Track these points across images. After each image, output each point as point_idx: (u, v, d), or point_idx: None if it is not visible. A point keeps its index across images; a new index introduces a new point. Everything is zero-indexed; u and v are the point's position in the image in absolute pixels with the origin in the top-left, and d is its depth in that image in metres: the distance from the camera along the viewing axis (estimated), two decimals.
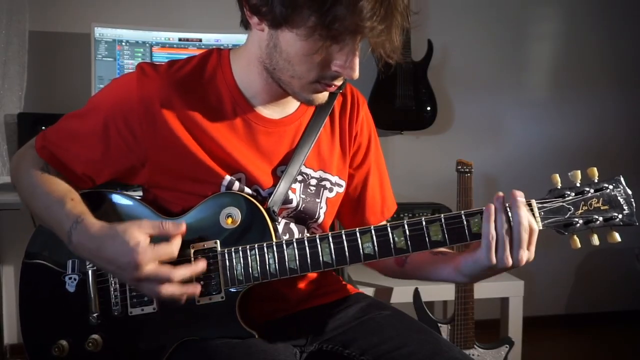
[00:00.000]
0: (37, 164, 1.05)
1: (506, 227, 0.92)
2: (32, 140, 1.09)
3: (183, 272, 0.94)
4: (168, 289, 0.92)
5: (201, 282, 0.99)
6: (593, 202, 0.94)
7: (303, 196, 1.10)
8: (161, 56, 2.20)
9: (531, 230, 0.92)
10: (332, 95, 1.10)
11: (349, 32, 0.88)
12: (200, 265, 0.97)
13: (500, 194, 0.93)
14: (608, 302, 3.17)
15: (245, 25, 1.02)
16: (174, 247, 0.94)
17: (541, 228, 0.94)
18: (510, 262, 0.92)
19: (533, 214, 0.94)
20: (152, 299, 1.00)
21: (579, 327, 3.11)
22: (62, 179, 1.05)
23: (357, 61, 0.94)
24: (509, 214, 0.92)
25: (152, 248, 0.91)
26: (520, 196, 0.92)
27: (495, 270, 0.94)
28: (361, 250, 0.97)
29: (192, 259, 0.99)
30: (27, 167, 1.06)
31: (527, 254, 0.92)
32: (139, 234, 0.92)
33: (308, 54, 0.92)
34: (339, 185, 1.16)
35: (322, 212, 1.13)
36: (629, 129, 3.12)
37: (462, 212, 0.95)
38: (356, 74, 0.94)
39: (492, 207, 0.92)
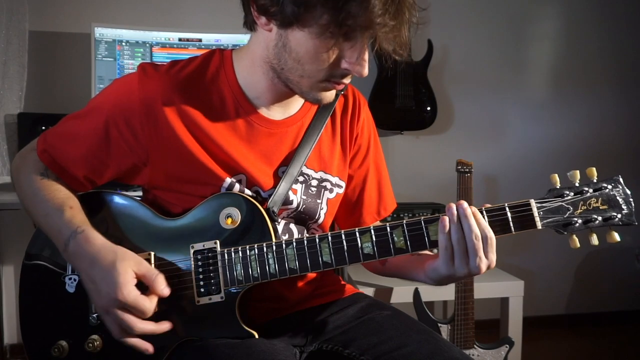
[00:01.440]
0: (38, 168, 1.05)
1: (459, 236, 0.93)
2: (34, 142, 1.09)
3: (147, 326, 0.94)
4: (123, 334, 0.94)
5: (201, 282, 0.99)
6: (592, 202, 0.95)
7: (304, 197, 1.10)
8: (161, 56, 2.20)
9: (485, 238, 0.93)
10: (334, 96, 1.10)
11: (361, 29, 0.88)
12: (165, 326, 0.97)
13: (452, 204, 0.95)
14: (608, 302, 3.17)
15: (250, 27, 1.01)
16: (150, 307, 0.94)
17: (540, 228, 0.94)
18: (466, 270, 0.94)
19: (532, 214, 0.94)
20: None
21: (579, 327, 3.11)
22: (61, 184, 1.05)
23: (367, 58, 0.94)
24: (461, 222, 0.93)
25: (135, 296, 0.91)
26: (466, 206, 0.94)
27: (459, 277, 0.96)
28: (360, 250, 0.97)
29: (192, 259, 0.99)
30: (27, 170, 1.06)
31: (485, 262, 0.93)
32: (131, 273, 0.92)
33: (319, 52, 0.92)
34: (339, 186, 1.16)
35: (322, 212, 1.13)
36: (629, 129, 3.12)
37: None
38: (366, 71, 0.94)
39: (446, 218, 0.94)
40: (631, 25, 3.08)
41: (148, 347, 0.97)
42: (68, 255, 0.97)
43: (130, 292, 0.91)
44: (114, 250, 0.94)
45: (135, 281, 0.93)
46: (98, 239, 0.96)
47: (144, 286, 0.94)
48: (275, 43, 0.95)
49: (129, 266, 0.92)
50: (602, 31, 3.05)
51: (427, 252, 1.08)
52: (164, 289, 0.95)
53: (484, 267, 0.94)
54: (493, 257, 0.94)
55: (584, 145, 3.04)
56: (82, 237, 0.95)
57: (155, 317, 1.00)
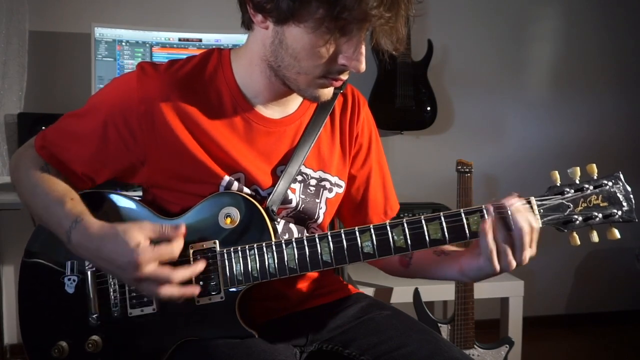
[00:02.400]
0: (37, 163, 1.05)
1: (505, 234, 0.92)
2: (32, 139, 1.09)
3: (183, 273, 0.93)
4: (167, 290, 0.92)
5: (201, 282, 0.99)
6: (592, 199, 0.94)
7: (303, 196, 1.10)
8: (161, 56, 2.20)
9: (532, 230, 0.92)
10: (332, 95, 1.10)
11: (357, 22, 0.88)
12: (200, 265, 0.97)
13: (490, 206, 0.94)
14: (608, 302, 3.17)
15: (247, 26, 1.01)
16: (174, 248, 0.94)
17: (540, 226, 0.94)
18: (514, 265, 0.93)
19: (532, 212, 0.94)
20: (152, 300, 1.00)
21: (579, 327, 3.11)
22: (61, 179, 1.04)
23: (364, 52, 0.93)
24: (508, 220, 0.92)
25: (153, 249, 0.91)
26: (517, 201, 0.93)
27: (500, 274, 0.95)
28: (360, 249, 0.97)
29: (192, 259, 0.99)
30: (26, 166, 1.05)
31: (530, 252, 0.93)
32: (139, 234, 0.91)
33: (315, 48, 0.91)
34: (339, 186, 1.16)
35: (321, 212, 1.13)
36: (629, 129, 3.12)
37: (462, 210, 0.95)
38: (363, 66, 0.94)
39: (487, 222, 0.93)
40: (631, 25, 3.08)
41: (196, 288, 0.96)
42: (73, 246, 0.96)
43: (146, 250, 0.90)
44: (113, 226, 0.94)
45: (146, 240, 0.92)
46: (96, 223, 0.95)
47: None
48: (271, 40, 0.95)
49: (134, 231, 0.92)
50: (602, 31, 3.05)
51: (451, 247, 1.08)
52: (177, 229, 0.95)
53: (528, 257, 0.93)
54: (535, 245, 0.94)
55: (584, 145, 3.03)
56: (82, 225, 0.95)
57: (156, 317, 1.01)
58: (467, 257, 1.00)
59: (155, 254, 0.91)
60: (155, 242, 0.93)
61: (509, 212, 0.92)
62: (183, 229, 0.97)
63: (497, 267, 0.93)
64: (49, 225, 1.01)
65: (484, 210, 0.95)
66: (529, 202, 0.94)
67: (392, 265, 1.19)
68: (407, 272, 1.18)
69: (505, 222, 0.92)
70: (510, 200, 0.94)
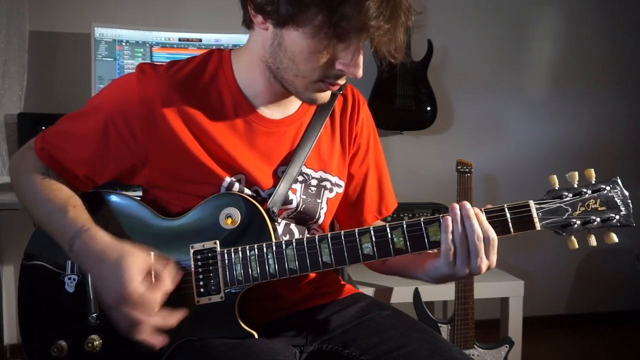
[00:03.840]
0: (38, 168, 1.05)
1: (462, 237, 0.93)
2: (31, 141, 1.09)
3: (155, 320, 0.93)
4: (136, 331, 0.93)
5: (201, 282, 0.99)
6: (590, 203, 0.95)
7: (304, 197, 1.10)
8: (161, 56, 2.20)
9: (488, 239, 0.93)
10: (332, 96, 1.10)
11: (355, 31, 0.88)
12: (172, 320, 0.96)
13: (455, 205, 0.95)
14: (608, 302, 3.18)
15: (248, 25, 1.02)
16: (157, 302, 0.93)
17: (539, 229, 0.95)
18: (467, 270, 0.94)
19: (531, 215, 0.94)
20: None
21: (579, 327, 3.11)
22: (62, 183, 1.04)
23: (361, 59, 0.94)
24: (465, 223, 0.93)
25: (141, 292, 0.90)
26: (469, 207, 0.94)
27: (457, 277, 0.96)
28: (360, 251, 0.97)
29: (192, 260, 0.99)
30: (27, 170, 1.05)
31: (486, 262, 0.94)
32: (137, 268, 0.91)
33: (313, 53, 0.92)
34: (339, 186, 1.16)
35: (322, 212, 1.13)
36: (629, 129, 3.12)
37: None
38: (360, 73, 0.94)
39: (449, 218, 0.94)
40: (631, 26, 3.08)
41: (161, 339, 0.95)
42: (74, 254, 0.96)
43: (136, 288, 0.90)
44: (120, 246, 0.94)
45: (142, 277, 0.91)
46: (103, 237, 0.95)
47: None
48: (271, 42, 0.96)
49: (135, 262, 0.91)
50: (602, 31, 3.05)
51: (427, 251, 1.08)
52: (169, 283, 0.94)
53: (484, 267, 0.94)
54: (494, 258, 0.94)
55: (583, 145, 3.04)
56: (87, 235, 0.95)
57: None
58: (430, 259, 1.01)
59: (140, 298, 0.90)
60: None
61: (468, 215, 0.93)
62: (177, 281, 0.96)
63: (452, 267, 0.94)
64: (50, 231, 1.01)
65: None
66: (527, 206, 0.94)
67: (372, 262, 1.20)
68: (384, 268, 1.19)
69: (462, 224, 0.93)
70: (465, 204, 0.94)
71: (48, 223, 1.00)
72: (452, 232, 0.93)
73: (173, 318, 0.96)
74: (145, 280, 0.92)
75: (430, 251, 1.07)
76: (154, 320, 0.93)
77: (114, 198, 1.07)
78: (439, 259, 0.96)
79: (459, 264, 0.94)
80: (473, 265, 0.93)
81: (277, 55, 0.96)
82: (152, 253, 1.00)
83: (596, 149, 3.04)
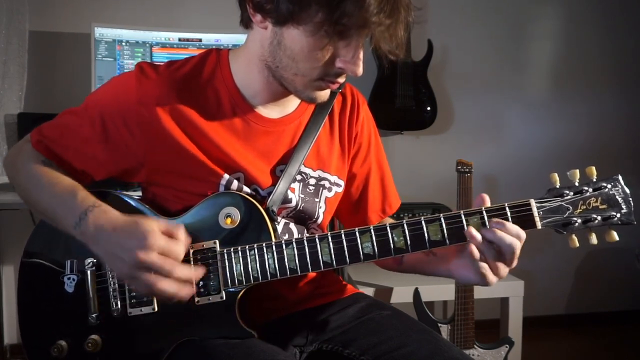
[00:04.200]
0: (36, 157, 1.05)
1: (494, 252, 0.93)
2: (27, 136, 1.08)
3: (185, 271, 0.92)
4: (165, 284, 0.90)
5: (200, 282, 0.99)
6: (591, 202, 0.94)
7: (302, 196, 1.10)
8: (161, 56, 2.20)
9: (521, 240, 0.93)
10: (331, 95, 1.10)
11: (356, 28, 0.88)
12: (200, 270, 0.96)
13: (472, 230, 0.92)
14: (608, 302, 3.17)
15: (246, 24, 1.01)
16: (182, 249, 0.93)
17: (540, 228, 0.94)
18: (504, 275, 0.95)
19: (532, 214, 0.94)
20: (152, 299, 1.00)
21: (579, 327, 3.11)
22: (64, 173, 1.04)
23: (361, 57, 0.94)
24: (494, 239, 0.91)
25: (165, 239, 0.90)
26: (496, 225, 0.92)
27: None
28: (360, 250, 0.97)
29: (192, 261, 0.99)
30: (25, 160, 1.05)
31: (515, 262, 0.94)
32: (155, 224, 0.90)
33: (313, 51, 0.92)
34: (338, 185, 1.16)
35: (321, 211, 1.13)
36: (629, 129, 3.12)
37: (462, 211, 0.95)
38: (360, 70, 0.94)
39: (473, 247, 0.92)
40: (631, 26, 3.08)
41: (192, 290, 0.94)
42: (82, 229, 0.94)
43: (159, 238, 0.89)
44: (131, 216, 0.94)
45: (160, 230, 0.91)
46: (115, 211, 0.95)
47: None
48: (270, 41, 0.95)
49: (150, 221, 0.91)
50: (602, 31, 3.05)
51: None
52: (186, 236, 0.94)
53: (515, 262, 0.94)
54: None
55: (583, 145, 3.04)
56: (99, 210, 0.95)
57: (155, 317, 1.01)
58: (457, 265, 1.00)
59: (165, 245, 0.90)
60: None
61: (501, 236, 0.91)
62: (189, 238, 0.96)
63: (490, 282, 0.94)
64: (53, 212, 0.99)
65: (483, 213, 0.94)
66: (528, 204, 0.94)
67: (386, 263, 1.20)
68: (400, 268, 1.18)
69: (490, 241, 0.92)
70: (498, 220, 0.93)
71: (52, 205, 0.99)
72: (484, 255, 0.93)
73: (199, 269, 0.96)
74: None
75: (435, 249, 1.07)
76: (182, 271, 0.92)
77: (113, 198, 1.07)
78: (470, 273, 0.96)
79: (489, 276, 0.94)
80: (502, 273, 0.94)
81: (277, 54, 0.96)
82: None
83: (596, 148, 3.04)
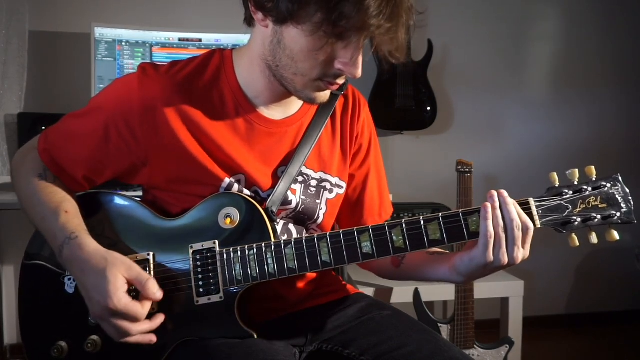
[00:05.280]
0: (37, 168, 1.05)
1: (502, 225, 0.92)
2: (35, 140, 1.09)
3: (142, 327, 0.94)
4: (123, 338, 0.93)
5: (200, 282, 0.99)
6: (591, 200, 0.94)
7: (303, 197, 1.10)
8: (161, 56, 2.20)
9: (526, 229, 0.92)
10: (333, 96, 1.10)
11: (355, 30, 0.88)
12: (159, 320, 0.97)
13: (494, 192, 0.94)
14: (608, 302, 3.17)
15: (249, 23, 1.02)
16: (142, 312, 0.93)
17: (539, 227, 0.94)
18: (506, 260, 0.93)
19: (531, 213, 0.94)
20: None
21: (579, 327, 3.11)
22: (59, 185, 1.04)
23: (360, 59, 0.93)
24: (504, 210, 0.92)
25: (125, 303, 0.90)
26: (506, 195, 0.93)
27: (491, 269, 0.95)
28: (359, 250, 0.97)
29: (191, 265, 0.99)
30: (26, 172, 1.06)
31: (522, 252, 0.93)
32: (121, 279, 0.91)
33: (312, 51, 0.91)
34: (339, 187, 1.16)
35: (321, 213, 1.13)
36: (629, 129, 3.12)
37: (460, 210, 0.95)
38: (359, 72, 0.94)
39: (489, 205, 0.93)
40: (631, 26, 3.08)
41: (152, 338, 0.96)
42: (63, 261, 0.97)
43: (120, 300, 0.90)
44: (105, 256, 0.94)
45: (125, 287, 0.92)
46: (90, 245, 0.95)
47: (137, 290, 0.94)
48: (271, 39, 0.96)
49: (119, 272, 0.92)
50: (602, 31, 3.05)
51: (440, 250, 1.08)
52: (155, 292, 0.94)
53: (520, 257, 0.93)
54: (528, 248, 0.94)
55: (583, 145, 3.04)
56: (75, 243, 0.95)
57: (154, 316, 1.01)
58: (460, 253, 1.00)
59: (124, 310, 0.90)
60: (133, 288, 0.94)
61: (506, 202, 0.92)
62: (159, 296, 0.95)
63: (491, 255, 0.92)
64: (44, 235, 1.01)
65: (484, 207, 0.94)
66: (527, 203, 0.94)
67: (383, 266, 1.19)
68: (399, 272, 1.17)
69: (501, 212, 0.93)
70: (502, 192, 0.94)
71: (42, 227, 1.01)
72: (492, 219, 0.92)
73: (159, 318, 0.97)
74: (131, 289, 0.93)
75: (441, 250, 1.06)
76: (141, 328, 0.94)
77: (113, 199, 1.07)
78: (473, 250, 0.95)
79: (497, 252, 0.92)
80: (510, 254, 0.92)
81: (277, 53, 0.96)
82: (152, 254, 1.01)
83: (596, 148, 3.04)
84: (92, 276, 0.92)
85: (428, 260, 1.09)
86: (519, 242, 0.92)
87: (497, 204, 0.93)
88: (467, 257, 0.96)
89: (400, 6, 0.88)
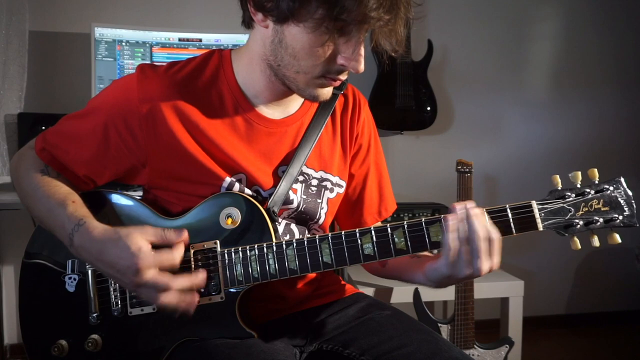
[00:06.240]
0: (37, 165, 1.05)
1: (464, 237, 0.90)
2: (32, 141, 1.09)
3: (182, 282, 0.93)
4: (166, 297, 0.91)
5: (201, 289, 0.99)
6: (593, 203, 0.94)
7: (304, 197, 1.10)
8: (161, 56, 2.20)
9: (490, 240, 0.90)
10: (333, 95, 1.10)
11: (356, 23, 0.88)
12: (200, 276, 0.96)
13: (458, 204, 0.92)
14: (608, 302, 3.18)
15: (248, 24, 1.02)
16: (176, 255, 0.93)
17: (541, 229, 0.94)
18: (469, 271, 0.91)
19: (533, 216, 0.93)
20: None
21: (579, 327, 3.11)
22: (62, 181, 1.04)
23: (362, 53, 0.94)
24: (467, 222, 0.90)
25: (154, 254, 0.90)
26: (471, 206, 0.91)
27: (457, 279, 0.93)
28: (361, 251, 0.97)
29: (192, 265, 0.99)
30: (27, 168, 1.05)
31: (488, 263, 0.90)
32: (141, 239, 0.91)
33: (314, 47, 0.92)
34: (340, 186, 1.16)
35: (323, 212, 1.13)
36: (629, 129, 3.12)
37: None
38: (362, 67, 0.94)
39: (450, 217, 0.91)
40: (631, 26, 3.08)
41: (195, 297, 0.95)
42: (75, 248, 0.96)
43: (147, 255, 0.89)
44: (116, 230, 0.93)
45: (148, 245, 0.91)
46: (99, 227, 0.95)
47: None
48: (271, 39, 0.95)
49: (136, 235, 0.91)
50: (602, 31, 3.05)
51: (427, 253, 1.07)
52: (179, 233, 0.94)
53: (486, 268, 0.90)
54: (497, 259, 0.91)
55: (584, 145, 3.03)
56: (84, 228, 0.95)
57: (156, 316, 1.01)
58: (430, 261, 0.98)
59: (156, 260, 0.90)
60: (156, 246, 0.93)
61: (471, 214, 0.90)
62: (185, 235, 0.96)
63: (452, 267, 0.91)
64: (51, 228, 1.01)
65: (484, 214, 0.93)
66: (530, 206, 0.94)
67: (370, 264, 1.18)
68: (383, 271, 1.18)
69: (464, 224, 0.91)
70: (467, 204, 0.92)
71: (48, 219, 1.00)
72: (455, 232, 0.90)
73: (201, 274, 0.96)
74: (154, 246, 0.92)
75: (430, 254, 1.06)
76: (180, 282, 0.92)
77: (115, 198, 1.08)
78: (439, 260, 0.94)
79: (460, 264, 0.90)
80: (475, 266, 0.90)
81: (278, 52, 0.96)
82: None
83: (596, 149, 3.04)
84: (112, 250, 0.91)
85: (407, 263, 1.08)
86: (484, 255, 0.89)
87: (461, 217, 0.91)
88: (433, 266, 0.95)
89: None
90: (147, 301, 0.96)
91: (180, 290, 0.92)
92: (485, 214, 0.92)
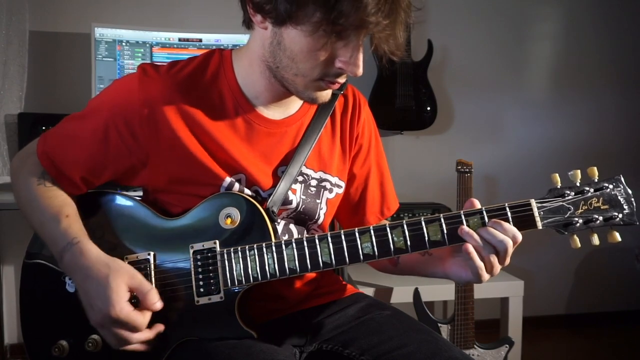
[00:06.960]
0: (35, 172, 1.05)
1: (491, 251, 0.93)
2: (34, 142, 1.08)
3: (142, 336, 0.95)
4: (121, 345, 0.94)
5: (200, 282, 1.00)
6: (593, 202, 0.94)
7: (303, 197, 1.10)
8: (161, 56, 2.20)
9: (517, 241, 0.93)
10: (333, 96, 1.10)
11: (354, 28, 0.88)
12: (157, 329, 0.98)
13: (465, 229, 0.94)
14: (608, 302, 3.17)
15: (248, 25, 1.02)
16: (143, 321, 0.94)
17: (541, 228, 0.94)
18: (496, 274, 0.96)
19: (532, 214, 0.94)
20: None
21: (579, 327, 3.11)
22: (58, 189, 1.04)
23: (361, 57, 0.93)
24: (491, 241, 0.93)
25: (127, 313, 0.91)
26: (501, 223, 0.93)
27: (476, 282, 0.99)
28: (360, 251, 0.97)
29: (192, 263, 0.99)
30: (25, 176, 1.05)
31: (508, 261, 0.95)
32: (123, 290, 0.92)
33: (312, 51, 0.91)
34: (339, 186, 1.16)
35: (322, 212, 1.13)
36: (629, 129, 3.12)
37: (462, 212, 0.95)
38: (360, 71, 0.94)
39: (469, 246, 0.93)
40: (631, 25, 3.08)
41: (149, 347, 0.98)
42: (64, 266, 0.97)
43: (122, 309, 0.90)
44: (107, 263, 0.94)
45: (128, 296, 0.92)
46: (92, 251, 0.95)
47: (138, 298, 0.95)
48: (270, 41, 0.95)
49: (122, 281, 0.92)
50: (602, 31, 3.05)
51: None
52: (155, 303, 0.94)
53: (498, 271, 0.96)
54: (508, 260, 0.95)
55: (583, 145, 3.04)
56: (76, 248, 0.95)
57: (154, 318, 1.01)
58: (452, 264, 1.01)
59: (128, 318, 0.91)
60: (134, 296, 0.94)
61: (493, 235, 0.93)
62: (158, 306, 0.95)
63: (486, 278, 0.95)
64: (44, 240, 1.01)
65: (483, 213, 0.94)
66: (529, 205, 0.94)
67: (382, 264, 1.19)
68: (396, 270, 1.18)
69: (487, 242, 0.93)
70: (497, 221, 0.94)
71: (42, 232, 1.01)
72: (481, 255, 0.93)
73: (158, 327, 0.98)
74: (133, 297, 0.94)
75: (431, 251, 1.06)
76: (141, 337, 0.95)
77: (114, 198, 1.07)
78: (466, 272, 0.97)
79: (489, 274, 0.95)
80: (495, 272, 0.95)
81: (277, 54, 0.96)
82: (153, 254, 1.01)
83: (596, 148, 3.04)
84: (95, 283, 0.92)
85: (422, 261, 1.09)
86: (509, 255, 0.94)
87: (475, 237, 0.93)
88: (461, 275, 1.00)
89: (398, 3, 0.88)
90: (106, 341, 0.97)
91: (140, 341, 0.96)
92: (484, 213, 0.94)
